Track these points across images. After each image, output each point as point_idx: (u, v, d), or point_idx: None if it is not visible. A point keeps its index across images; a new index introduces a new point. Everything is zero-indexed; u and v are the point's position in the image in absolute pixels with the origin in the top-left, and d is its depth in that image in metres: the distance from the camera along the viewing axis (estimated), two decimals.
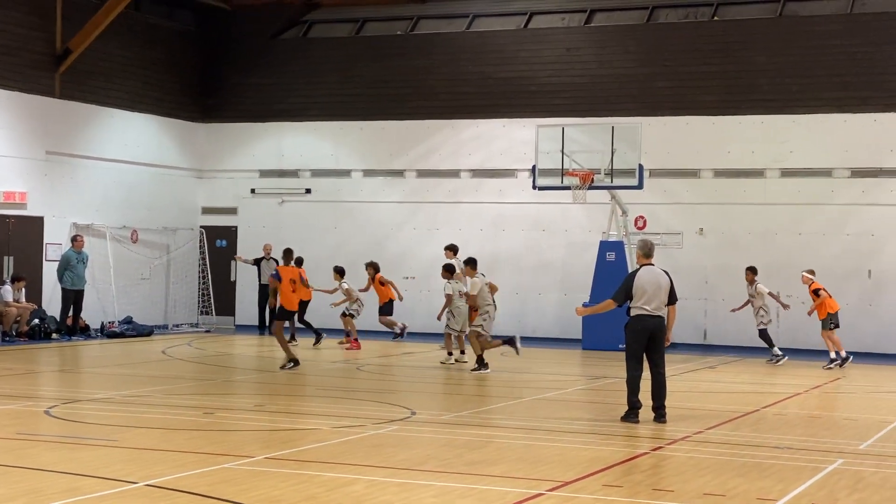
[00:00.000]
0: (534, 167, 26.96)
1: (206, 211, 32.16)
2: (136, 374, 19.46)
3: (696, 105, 28.32)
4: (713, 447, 12.68)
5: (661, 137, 27.99)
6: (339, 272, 25.44)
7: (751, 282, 23.97)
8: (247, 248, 31.21)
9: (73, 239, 26.66)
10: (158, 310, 30.02)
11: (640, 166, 26.09)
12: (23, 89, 26.81)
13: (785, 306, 24.45)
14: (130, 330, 27.24)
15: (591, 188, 26.16)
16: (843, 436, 13.89)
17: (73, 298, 26.23)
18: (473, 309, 20.98)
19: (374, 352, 24.54)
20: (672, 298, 14.56)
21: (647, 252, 14.74)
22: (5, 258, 26.15)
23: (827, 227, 27.09)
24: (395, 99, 30.82)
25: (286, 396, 17.38)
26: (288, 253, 21.42)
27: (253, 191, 31.88)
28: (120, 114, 29.44)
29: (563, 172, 26.20)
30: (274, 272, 21.25)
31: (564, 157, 26.24)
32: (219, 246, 31.72)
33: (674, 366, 21.23)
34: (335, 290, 25.71)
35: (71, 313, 26.28)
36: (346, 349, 24.71)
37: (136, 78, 30.19)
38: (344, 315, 25.21)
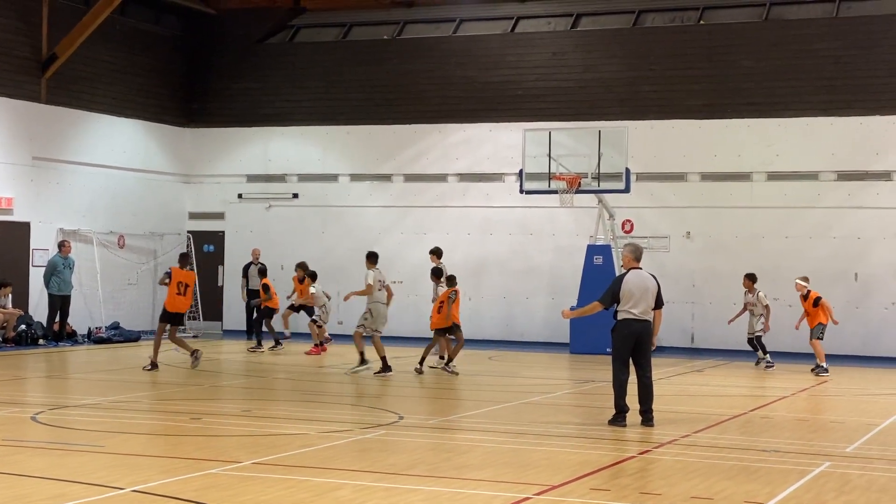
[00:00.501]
0: (521, 171, 26.96)
1: (193, 216, 32.10)
2: (123, 380, 19.41)
3: (682, 109, 28.37)
4: (701, 450, 12.69)
5: (647, 141, 28.04)
6: (312, 276, 25.40)
7: (750, 289, 23.66)
8: (234, 253, 31.20)
9: (60, 244, 26.60)
10: (145, 315, 29.92)
11: (627, 170, 26.13)
12: (9, 94, 26.73)
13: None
14: (117, 335, 27.21)
15: (578, 192, 26.17)
16: (830, 439, 13.91)
17: (59, 304, 26.19)
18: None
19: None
20: (659, 303, 14.58)
21: (637, 256, 14.75)
22: None
23: (813, 230, 27.15)
24: (381, 103, 30.81)
25: (273, 401, 17.36)
26: (184, 257, 21.87)
27: (240, 195, 31.83)
28: (106, 119, 29.37)
29: (550, 176, 26.20)
30: (167, 271, 21.23)
31: (551, 161, 26.24)
32: (206, 251, 31.67)
33: (661, 369, 21.27)
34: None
35: (58, 319, 26.23)
36: (306, 353, 24.71)
37: (123, 83, 30.13)
38: (313, 322, 25.22)
